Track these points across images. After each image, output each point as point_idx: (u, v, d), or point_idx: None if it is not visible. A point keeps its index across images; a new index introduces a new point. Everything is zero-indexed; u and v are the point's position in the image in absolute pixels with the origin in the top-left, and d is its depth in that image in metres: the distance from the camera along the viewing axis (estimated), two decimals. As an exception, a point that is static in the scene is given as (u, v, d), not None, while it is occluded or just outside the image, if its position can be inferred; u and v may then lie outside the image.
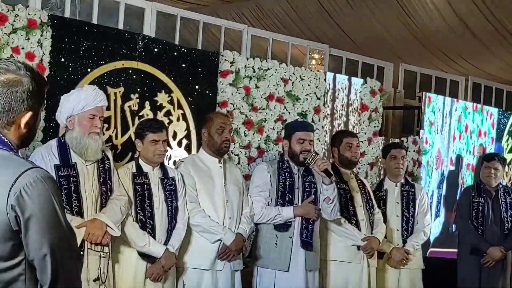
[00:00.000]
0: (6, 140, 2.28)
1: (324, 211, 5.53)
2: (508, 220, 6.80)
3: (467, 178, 8.38)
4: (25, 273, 2.21)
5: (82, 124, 4.42)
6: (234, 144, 6.37)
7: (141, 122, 5.20)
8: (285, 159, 5.57)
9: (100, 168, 4.56)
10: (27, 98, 2.29)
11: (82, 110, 4.42)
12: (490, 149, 8.66)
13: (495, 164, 6.80)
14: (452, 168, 8.25)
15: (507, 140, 8.91)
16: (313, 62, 10.86)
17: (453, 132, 8.23)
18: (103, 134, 4.77)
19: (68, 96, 4.52)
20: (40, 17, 5.24)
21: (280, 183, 5.47)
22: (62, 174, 4.37)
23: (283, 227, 5.42)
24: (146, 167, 4.96)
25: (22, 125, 2.31)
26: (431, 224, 6.73)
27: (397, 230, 6.24)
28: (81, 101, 4.41)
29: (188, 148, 6.13)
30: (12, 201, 2.14)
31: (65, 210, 4.20)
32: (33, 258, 2.20)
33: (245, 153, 6.51)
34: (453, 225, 8.04)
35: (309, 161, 5.38)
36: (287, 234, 5.42)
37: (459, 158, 8.32)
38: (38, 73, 2.36)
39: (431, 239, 7.81)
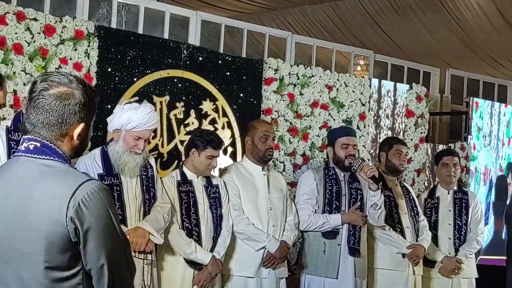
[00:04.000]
0: (60, 152, 2.34)
1: (371, 217, 5.51)
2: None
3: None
4: (83, 282, 2.28)
5: (127, 140, 4.46)
6: (279, 151, 6.38)
7: (202, 133, 5.12)
8: (331, 166, 5.56)
9: (143, 176, 4.60)
10: (79, 110, 2.35)
11: (131, 129, 4.46)
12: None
13: None
14: (500, 173, 8.11)
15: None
16: (358, 68, 10.83)
17: (502, 138, 8.10)
18: (146, 151, 4.77)
19: (123, 111, 4.51)
20: (87, 28, 5.33)
21: (327, 190, 5.47)
22: (105, 183, 4.40)
23: (331, 234, 5.41)
24: (190, 175, 4.99)
25: (75, 137, 2.37)
26: (484, 232, 6.61)
27: (449, 238, 6.15)
28: (132, 121, 4.43)
29: (233, 156, 6.15)
30: (72, 213, 2.20)
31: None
32: (90, 268, 2.27)
33: (290, 160, 6.50)
34: (504, 232, 7.90)
35: (355, 168, 5.38)
36: (335, 241, 5.41)
37: (510, 165, 8.17)
38: (89, 85, 2.41)
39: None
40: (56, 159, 2.32)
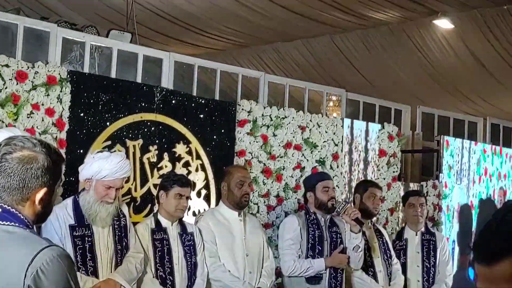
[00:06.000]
0: (21, 217, 2.31)
1: (352, 261, 5.56)
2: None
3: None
4: None
5: (98, 190, 4.45)
6: (253, 193, 6.38)
7: (169, 175, 5.23)
8: (311, 211, 5.62)
9: (116, 226, 4.58)
10: (42, 174, 2.32)
11: (101, 178, 4.44)
12: (511, 191, 8.60)
13: None
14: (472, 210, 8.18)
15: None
16: (331, 104, 10.90)
17: (473, 176, 8.19)
18: (119, 199, 4.75)
19: (94, 160, 4.51)
20: (59, 73, 5.32)
21: (310, 235, 5.53)
22: (77, 234, 4.39)
23: (315, 279, 5.46)
24: (165, 222, 4.97)
25: (37, 202, 2.34)
26: (453, 273, 6.64)
27: (418, 280, 6.18)
28: (103, 170, 4.42)
29: (207, 198, 6.14)
30: (29, 281, 2.16)
31: (80, 270, 4.24)
32: None
33: (264, 202, 6.51)
34: (469, 269, 7.92)
35: (339, 210, 5.47)
36: (319, 286, 5.44)
37: (482, 202, 8.25)
38: (54, 149, 2.38)
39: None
40: (17, 224, 2.29)
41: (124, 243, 4.60)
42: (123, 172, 4.52)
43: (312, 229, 5.53)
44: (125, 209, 4.77)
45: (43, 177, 2.33)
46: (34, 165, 2.31)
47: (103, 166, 4.42)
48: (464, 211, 8.04)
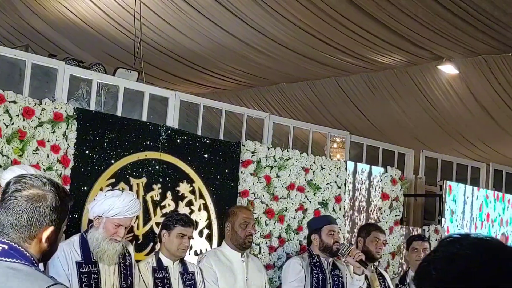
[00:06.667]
0: (28, 255, 2.33)
1: None
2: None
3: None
4: None
5: (107, 228, 4.47)
6: (255, 233, 6.37)
7: (171, 214, 5.27)
8: (315, 253, 5.63)
9: (122, 264, 4.59)
10: (50, 213, 2.35)
11: (112, 216, 4.47)
12: (513, 238, 8.60)
13: None
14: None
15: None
16: (335, 145, 10.92)
17: (475, 221, 8.18)
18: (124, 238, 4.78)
19: (106, 198, 4.54)
20: (66, 111, 5.37)
21: (314, 278, 5.54)
22: (83, 271, 4.40)
23: None
24: (166, 261, 4.98)
25: (44, 240, 2.37)
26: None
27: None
28: (114, 208, 4.45)
29: (209, 238, 6.14)
30: None
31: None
32: None
33: (266, 243, 6.50)
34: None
35: (343, 251, 5.49)
36: None
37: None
38: (63, 188, 2.42)
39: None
40: (22, 262, 2.31)
41: (129, 282, 4.61)
42: (134, 211, 4.55)
43: (316, 271, 5.55)
44: (130, 248, 4.79)
45: (51, 216, 2.36)
46: (42, 204, 2.34)
47: (114, 204, 4.45)
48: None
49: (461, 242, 1.63)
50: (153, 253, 5.21)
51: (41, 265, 2.68)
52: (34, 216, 2.33)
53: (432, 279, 1.59)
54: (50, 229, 2.37)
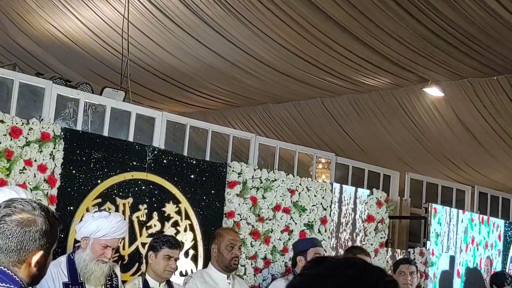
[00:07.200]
0: (17, 279, 2.34)
1: None
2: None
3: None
4: None
5: (94, 249, 4.47)
6: (241, 255, 6.37)
7: (159, 236, 5.26)
8: None
9: (108, 286, 4.59)
10: (40, 237, 2.36)
11: (99, 237, 4.47)
12: (497, 261, 8.62)
13: None
14: (458, 279, 8.18)
15: (514, 252, 8.88)
16: (320, 166, 10.94)
17: (460, 244, 8.21)
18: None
19: (93, 219, 4.55)
20: (53, 130, 5.37)
21: None
22: None
23: None
24: (152, 283, 4.97)
25: (33, 264, 2.38)
26: None
27: None
28: (102, 229, 4.47)
29: (194, 259, 6.13)
30: None
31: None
32: None
33: (252, 264, 6.50)
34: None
35: None
36: None
37: (468, 270, 8.26)
38: (52, 213, 2.43)
39: None
40: (12, 286, 2.32)
41: (115, 303, 4.60)
42: (121, 232, 4.57)
43: None
44: (117, 270, 4.80)
45: (41, 240, 2.37)
46: (32, 228, 2.36)
47: (102, 225, 4.46)
48: (445, 277, 8.02)
49: (325, 263, 1.62)
50: (139, 274, 5.20)
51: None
52: (24, 240, 2.34)
53: None
54: (40, 253, 2.37)
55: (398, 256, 7.49)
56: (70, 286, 4.42)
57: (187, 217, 6.15)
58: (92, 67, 11.06)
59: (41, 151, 5.29)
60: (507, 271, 8.61)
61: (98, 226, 4.46)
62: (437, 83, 10.22)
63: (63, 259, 4.56)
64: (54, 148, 5.36)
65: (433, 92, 10.52)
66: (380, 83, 10.53)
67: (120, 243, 5.60)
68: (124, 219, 5.28)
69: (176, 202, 6.09)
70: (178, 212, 6.10)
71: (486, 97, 10.32)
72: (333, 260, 1.64)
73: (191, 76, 11.14)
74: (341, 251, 7.00)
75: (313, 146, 10.30)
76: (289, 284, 1.62)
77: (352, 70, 10.04)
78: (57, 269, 4.46)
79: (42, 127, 5.33)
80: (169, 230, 5.94)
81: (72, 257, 4.55)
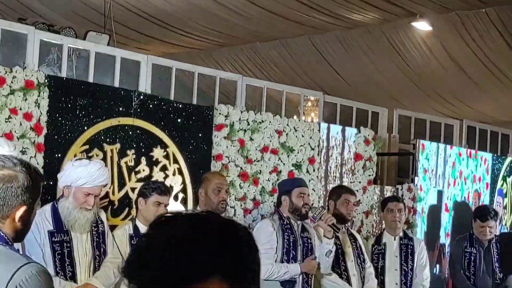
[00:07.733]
0: (1, 234, 2.36)
1: (323, 265, 5.64)
2: (500, 270, 6.87)
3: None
4: None
5: (77, 197, 4.50)
6: (229, 196, 6.42)
7: (148, 182, 5.28)
8: (285, 216, 5.66)
9: (94, 232, 4.63)
10: (22, 193, 2.38)
11: (80, 185, 4.48)
12: (485, 194, 8.71)
13: (490, 224, 6.91)
14: (446, 213, 8.26)
15: (502, 185, 8.97)
16: (309, 104, 10.94)
17: (448, 178, 8.28)
18: (97, 206, 4.80)
19: (73, 168, 4.57)
20: (37, 78, 5.33)
21: (285, 240, 5.57)
22: (55, 240, 4.45)
23: (289, 283, 5.54)
24: (143, 228, 5.00)
25: (17, 219, 2.41)
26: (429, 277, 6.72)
27: (396, 283, 6.30)
28: (82, 178, 4.48)
29: (184, 202, 6.18)
30: None
31: (59, 275, 4.29)
32: None
33: (241, 205, 6.55)
34: (437, 266, 7.99)
35: (315, 216, 5.53)
36: None
37: (456, 204, 8.34)
38: (34, 169, 2.45)
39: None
40: None
41: (102, 249, 4.66)
42: (102, 180, 4.57)
43: (287, 234, 5.60)
44: (103, 216, 4.83)
45: (23, 196, 2.39)
46: (14, 184, 2.38)
47: (82, 173, 4.47)
48: (433, 211, 8.10)
49: (174, 222, 1.48)
50: (129, 219, 5.25)
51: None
52: (6, 196, 2.37)
53: (151, 267, 1.40)
54: (23, 208, 2.40)
55: (386, 193, 7.56)
56: (55, 234, 4.47)
57: (175, 161, 6.17)
58: (75, 8, 10.89)
59: (26, 99, 5.26)
60: (494, 204, 8.72)
61: (78, 174, 4.48)
62: (424, 17, 10.14)
63: (47, 207, 4.59)
64: (39, 96, 5.33)
65: (422, 26, 10.46)
66: (368, 18, 10.44)
67: (110, 188, 5.65)
68: (107, 165, 5.33)
69: (164, 146, 6.10)
70: (166, 156, 6.11)
71: (475, 29, 10.27)
72: (183, 217, 1.49)
73: (177, 16, 11.01)
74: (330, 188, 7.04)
75: (302, 85, 10.27)
76: (137, 247, 1.48)
77: (338, 5, 9.92)
78: (42, 218, 4.49)
79: (26, 75, 5.29)
80: (157, 175, 5.97)
81: (56, 205, 4.58)
